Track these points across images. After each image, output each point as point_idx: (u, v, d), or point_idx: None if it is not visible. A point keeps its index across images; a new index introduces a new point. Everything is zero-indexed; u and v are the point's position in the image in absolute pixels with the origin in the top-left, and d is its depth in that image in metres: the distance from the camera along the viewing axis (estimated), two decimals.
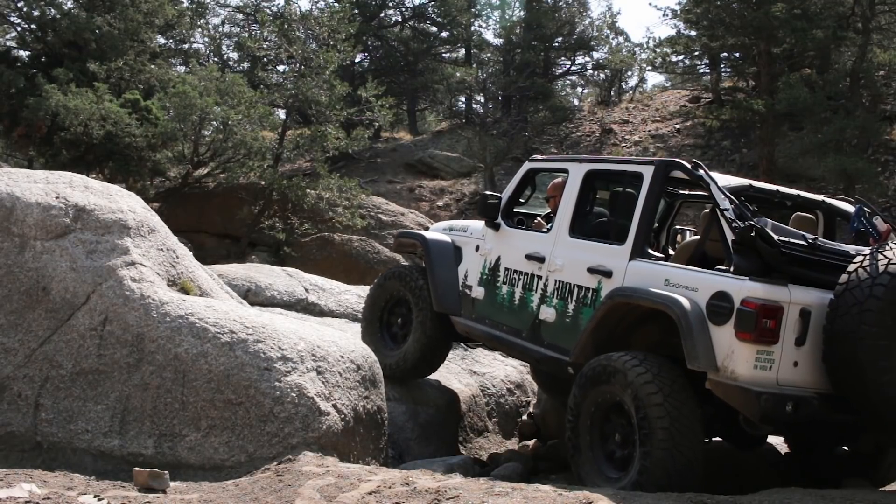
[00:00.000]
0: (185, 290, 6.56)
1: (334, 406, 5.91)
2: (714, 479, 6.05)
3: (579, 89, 37.40)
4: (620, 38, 33.08)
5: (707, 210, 5.95)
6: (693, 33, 24.28)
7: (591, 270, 6.03)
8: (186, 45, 32.22)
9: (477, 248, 7.25)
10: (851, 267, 5.10)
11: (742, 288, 5.05)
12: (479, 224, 7.37)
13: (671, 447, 5.05)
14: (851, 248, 5.49)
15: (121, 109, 19.55)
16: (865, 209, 5.99)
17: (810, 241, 5.32)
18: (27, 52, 23.99)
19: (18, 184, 6.47)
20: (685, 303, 5.22)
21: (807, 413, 5.06)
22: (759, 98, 21.51)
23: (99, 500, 4.57)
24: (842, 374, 5.03)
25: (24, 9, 22.98)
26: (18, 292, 6.04)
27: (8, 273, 6.08)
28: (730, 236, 5.32)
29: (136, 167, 20.31)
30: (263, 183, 20.99)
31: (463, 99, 34.04)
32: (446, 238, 7.61)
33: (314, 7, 28.63)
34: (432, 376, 8.19)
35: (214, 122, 21.26)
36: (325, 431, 5.72)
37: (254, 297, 9.25)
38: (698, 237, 6.22)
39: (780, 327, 5.01)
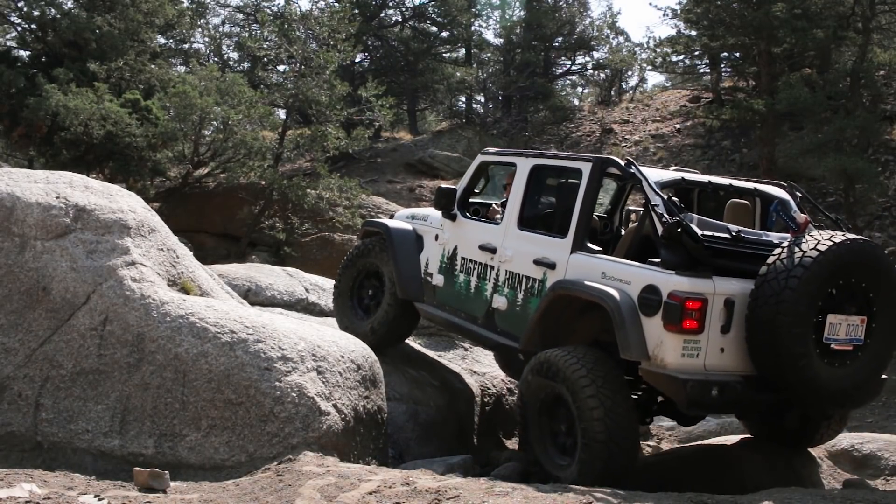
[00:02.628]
0: (185, 290, 6.56)
1: (334, 406, 5.91)
2: (715, 479, 6.07)
3: (579, 89, 37.43)
4: (620, 38, 33.12)
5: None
6: (693, 33, 24.25)
7: (537, 262, 6.34)
8: (187, 45, 32.22)
9: (436, 238, 7.55)
10: (770, 259, 5.39)
11: (668, 282, 5.34)
12: (439, 213, 7.59)
13: (607, 435, 5.37)
14: (776, 237, 5.78)
15: (121, 109, 19.53)
16: (797, 193, 6.50)
17: (734, 233, 5.61)
18: (27, 52, 23.96)
19: (19, 184, 6.48)
20: (618, 296, 5.52)
21: (732, 396, 5.38)
22: (760, 98, 21.49)
23: (99, 499, 4.57)
24: (763, 359, 5.37)
25: (25, 9, 22.95)
26: (19, 292, 6.04)
27: (8, 273, 6.08)
28: (659, 229, 5.61)
29: (136, 167, 20.29)
30: (264, 183, 20.98)
31: (463, 99, 34.04)
32: (408, 227, 7.88)
33: (314, 7, 28.60)
34: (433, 375, 8.20)
35: (214, 122, 21.25)
36: (325, 431, 5.72)
37: (254, 296, 9.25)
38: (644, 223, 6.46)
39: (705, 318, 5.30)
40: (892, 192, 19.72)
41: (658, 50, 25.33)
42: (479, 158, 7.49)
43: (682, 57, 26.47)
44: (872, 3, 19.73)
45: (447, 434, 7.80)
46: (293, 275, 10.42)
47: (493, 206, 7.73)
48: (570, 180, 6.51)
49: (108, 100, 19.44)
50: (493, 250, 6.80)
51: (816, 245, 5.31)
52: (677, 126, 26.56)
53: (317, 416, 5.73)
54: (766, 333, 5.27)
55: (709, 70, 27.57)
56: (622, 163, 6.08)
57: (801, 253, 5.28)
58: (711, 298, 5.32)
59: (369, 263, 8.11)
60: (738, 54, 25.22)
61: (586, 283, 5.77)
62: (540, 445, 5.93)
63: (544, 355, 5.85)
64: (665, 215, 5.59)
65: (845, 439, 7.63)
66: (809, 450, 6.86)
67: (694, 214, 5.74)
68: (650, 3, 42.76)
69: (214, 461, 5.58)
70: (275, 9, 30.99)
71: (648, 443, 8.63)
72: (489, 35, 35.46)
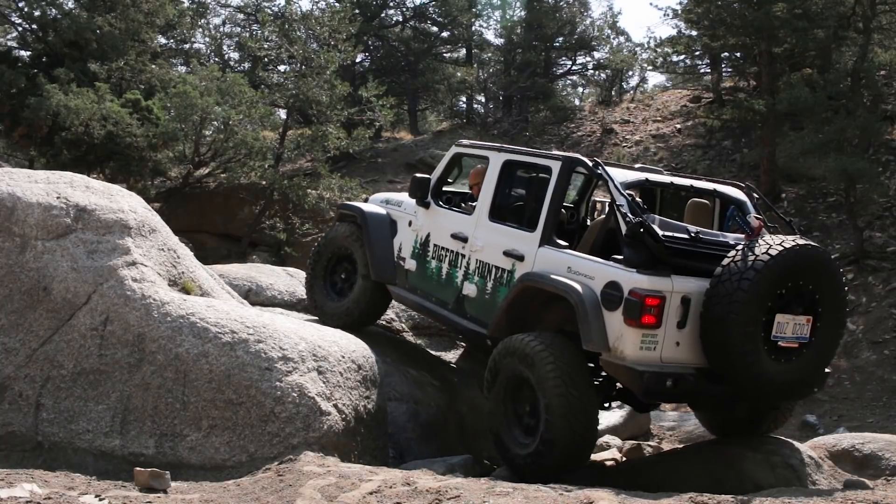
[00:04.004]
0: (186, 290, 6.57)
1: (335, 406, 5.91)
2: (715, 479, 6.07)
3: (580, 89, 37.40)
4: (621, 38, 33.02)
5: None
6: (694, 33, 24.20)
7: (507, 253, 6.63)
8: (187, 45, 32.25)
9: (410, 224, 7.80)
10: (725, 261, 5.70)
11: (630, 279, 5.65)
12: (413, 199, 7.78)
13: (569, 417, 5.68)
14: (731, 238, 6.12)
15: (122, 109, 19.54)
16: (754, 194, 6.80)
17: (692, 234, 5.91)
18: (28, 52, 23.97)
19: (19, 184, 6.48)
20: (582, 290, 5.83)
21: (685, 387, 5.74)
22: (760, 98, 21.45)
23: (100, 500, 4.57)
24: (715, 354, 5.70)
25: (26, 9, 22.97)
26: (19, 292, 6.05)
27: (9, 273, 6.09)
28: (623, 228, 5.89)
29: (137, 167, 20.29)
30: (264, 183, 20.99)
31: (464, 99, 34.02)
32: (383, 211, 8.07)
33: (315, 7, 28.62)
34: (433, 375, 8.21)
35: (215, 122, 21.25)
36: (326, 431, 5.73)
37: (255, 297, 9.24)
38: (609, 216, 6.70)
39: (662, 313, 5.62)
40: (892, 193, 19.70)
41: (659, 50, 25.31)
42: (454, 150, 7.75)
43: (682, 57, 26.43)
44: (873, 3, 19.71)
45: (448, 434, 7.80)
46: (294, 275, 10.41)
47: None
48: (540, 176, 6.77)
49: (109, 100, 19.44)
50: (464, 239, 7.08)
51: (768, 250, 5.62)
52: (678, 126, 26.54)
53: (317, 416, 5.73)
54: (718, 330, 5.59)
55: (709, 70, 27.51)
56: (590, 163, 6.37)
57: (754, 257, 5.59)
58: (669, 296, 5.64)
59: (342, 247, 8.30)
60: (738, 54, 25.17)
61: (553, 276, 6.07)
62: (504, 424, 6.20)
63: (512, 340, 6.14)
64: (629, 215, 5.87)
65: (846, 439, 7.63)
66: (809, 450, 6.87)
67: (656, 216, 6.01)
68: (651, 4, 42.89)
69: (215, 461, 5.59)
70: (275, 9, 30.99)
71: (649, 443, 8.63)
72: (490, 35, 35.40)
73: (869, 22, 19.74)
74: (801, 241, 5.77)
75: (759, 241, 5.74)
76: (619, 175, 6.31)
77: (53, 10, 22.74)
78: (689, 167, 23.69)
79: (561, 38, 32.02)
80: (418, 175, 7.74)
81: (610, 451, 7.87)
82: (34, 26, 23.26)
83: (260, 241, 21.63)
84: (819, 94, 19.09)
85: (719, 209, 6.87)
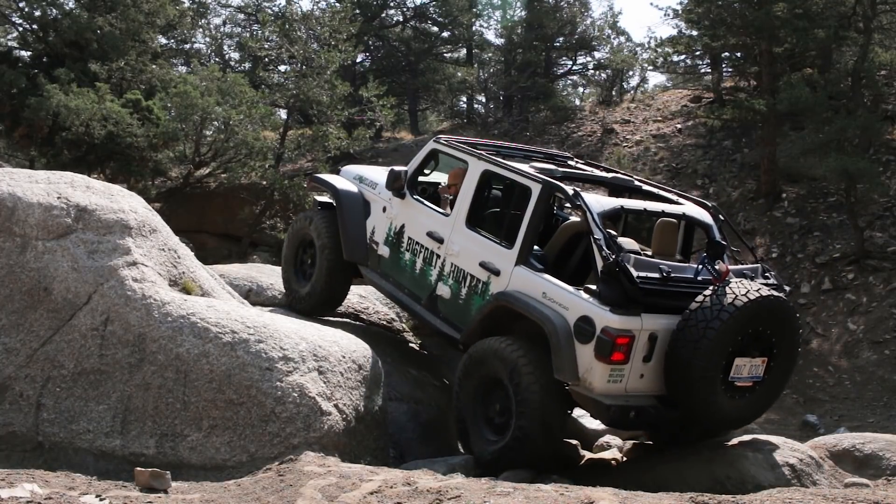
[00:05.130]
0: (186, 291, 6.57)
1: (336, 406, 5.92)
2: (715, 479, 6.07)
3: (581, 89, 37.36)
4: (622, 38, 33.00)
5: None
6: (694, 33, 24.22)
7: (483, 265, 6.68)
8: (188, 46, 32.29)
9: (384, 209, 7.71)
10: (693, 306, 5.90)
11: (603, 318, 5.83)
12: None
13: (540, 414, 5.96)
14: (700, 276, 6.29)
15: (122, 109, 19.56)
16: (720, 216, 6.98)
17: (664, 273, 6.05)
18: (29, 53, 24.00)
19: (20, 184, 6.48)
20: (557, 321, 6.01)
21: (646, 418, 6.11)
22: (761, 98, 21.47)
23: (101, 500, 4.57)
24: (676, 390, 6.03)
25: (26, 9, 23.00)
26: (20, 292, 6.05)
27: (10, 273, 6.09)
28: (599, 263, 6.05)
29: (137, 167, 20.33)
30: (265, 183, 21.02)
31: (464, 99, 34.07)
32: (356, 190, 8.06)
33: (315, 7, 28.64)
34: (434, 375, 8.21)
35: (216, 122, 21.29)
36: (326, 431, 5.73)
37: (255, 297, 9.23)
38: (579, 220, 6.86)
39: (631, 350, 5.88)
40: (893, 192, 19.70)
41: (659, 50, 25.33)
42: (431, 145, 7.65)
43: (683, 57, 26.47)
44: (874, 3, 19.72)
45: (448, 434, 7.79)
46: None
47: (441, 184, 7.79)
48: (520, 194, 6.76)
49: (110, 100, 19.47)
50: (440, 240, 7.06)
51: (734, 300, 5.83)
52: (678, 126, 26.53)
53: (318, 417, 5.73)
54: (681, 371, 5.88)
55: (710, 70, 27.51)
56: (570, 192, 6.38)
57: (720, 307, 5.81)
58: (638, 334, 5.87)
59: (306, 233, 8.34)
60: (739, 54, 25.19)
61: (529, 301, 6.21)
62: (472, 421, 6.39)
63: (488, 342, 6.33)
64: (605, 250, 6.00)
65: (847, 439, 7.62)
66: (809, 450, 6.87)
67: (631, 254, 6.07)
68: (651, 3, 42.93)
69: (216, 461, 5.59)
70: (276, 9, 31.02)
71: (650, 443, 8.63)
72: (490, 35, 35.44)
73: (869, 22, 19.76)
74: (765, 292, 5.96)
75: (727, 288, 5.91)
76: (596, 204, 6.35)
77: (54, 10, 22.76)
78: (689, 167, 23.70)
79: (561, 38, 32.04)
80: (395, 168, 7.67)
81: (610, 451, 7.85)
82: (35, 26, 23.28)
83: (260, 241, 21.65)
84: (819, 93, 19.11)
85: (684, 229, 7.08)
